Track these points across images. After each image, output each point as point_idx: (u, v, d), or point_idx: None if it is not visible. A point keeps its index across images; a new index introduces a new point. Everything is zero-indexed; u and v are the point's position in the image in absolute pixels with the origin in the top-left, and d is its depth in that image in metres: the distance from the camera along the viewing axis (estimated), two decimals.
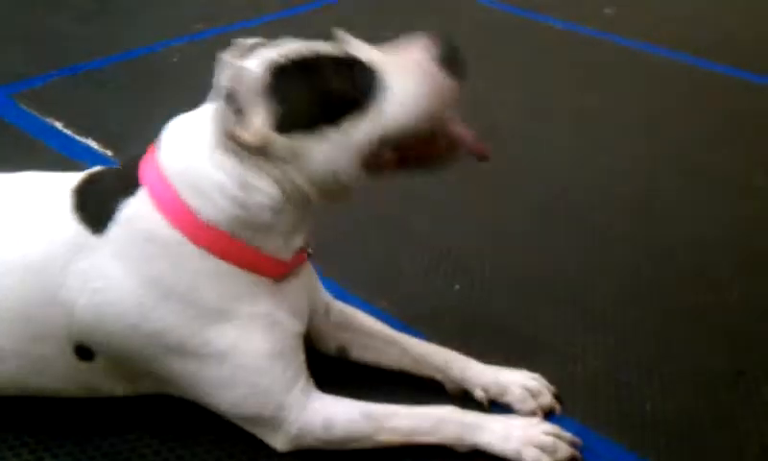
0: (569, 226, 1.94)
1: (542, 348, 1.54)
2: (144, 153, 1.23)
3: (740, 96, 2.66)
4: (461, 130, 1.20)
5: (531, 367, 1.42)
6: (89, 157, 2.09)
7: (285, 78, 1.12)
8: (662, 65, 2.86)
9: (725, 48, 2.98)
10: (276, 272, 1.22)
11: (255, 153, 1.13)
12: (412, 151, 1.18)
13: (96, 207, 1.20)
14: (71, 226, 1.20)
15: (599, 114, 2.51)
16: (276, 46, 1.17)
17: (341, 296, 1.53)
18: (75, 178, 1.28)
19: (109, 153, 2.12)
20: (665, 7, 3.42)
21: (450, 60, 1.14)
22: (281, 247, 1.21)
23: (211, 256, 1.17)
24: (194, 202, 1.15)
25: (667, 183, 2.14)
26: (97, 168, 1.32)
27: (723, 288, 1.74)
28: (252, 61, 1.14)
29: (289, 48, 1.15)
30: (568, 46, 3.03)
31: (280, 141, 1.12)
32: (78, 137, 2.20)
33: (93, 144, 2.16)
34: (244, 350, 1.19)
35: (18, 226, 1.23)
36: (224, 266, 1.18)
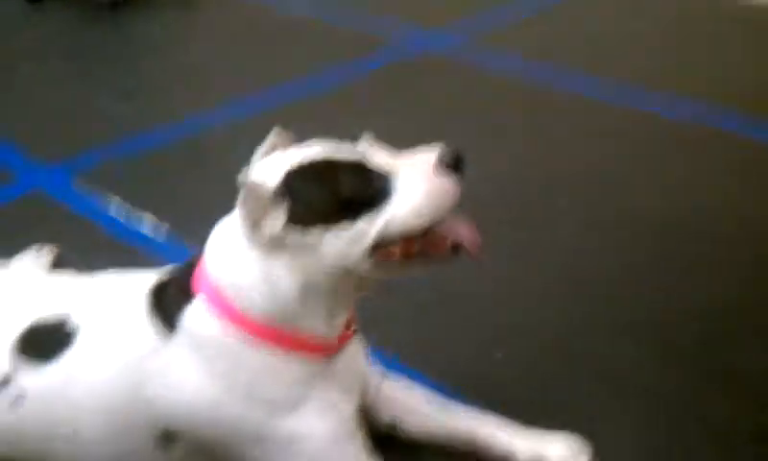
0: (597, 293, 2.07)
1: (580, 414, 1.67)
2: (198, 257, 1.37)
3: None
4: (462, 229, 1.31)
5: (568, 431, 1.55)
6: (147, 239, 2.26)
7: (303, 180, 1.26)
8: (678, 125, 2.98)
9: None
10: (324, 353, 1.36)
11: (275, 247, 1.26)
12: (416, 246, 1.29)
13: (164, 314, 1.35)
14: (147, 330, 1.35)
15: (618, 178, 2.64)
16: (302, 148, 1.32)
17: (389, 365, 1.66)
18: (148, 281, 1.42)
19: (166, 234, 2.28)
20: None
21: (454, 166, 1.26)
22: (324, 329, 1.34)
23: (264, 349, 1.31)
24: (238, 301, 1.30)
25: (685, 247, 2.26)
26: (164, 272, 1.45)
27: (747, 350, 1.85)
28: (272, 169, 1.28)
29: (310, 151, 1.30)
30: (585, 110, 3.17)
31: (296, 237, 1.25)
32: (134, 218, 2.36)
33: (149, 225, 2.33)
34: (309, 436, 1.33)
35: (106, 330, 1.39)
36: (276, 356, 1.31)
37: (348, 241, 1.25)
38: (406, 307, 1.94)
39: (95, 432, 1.37)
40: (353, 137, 1.32)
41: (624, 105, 3.09)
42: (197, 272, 1.35)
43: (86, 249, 2.20)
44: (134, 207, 2.41)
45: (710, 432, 1.63)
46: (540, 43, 3.71)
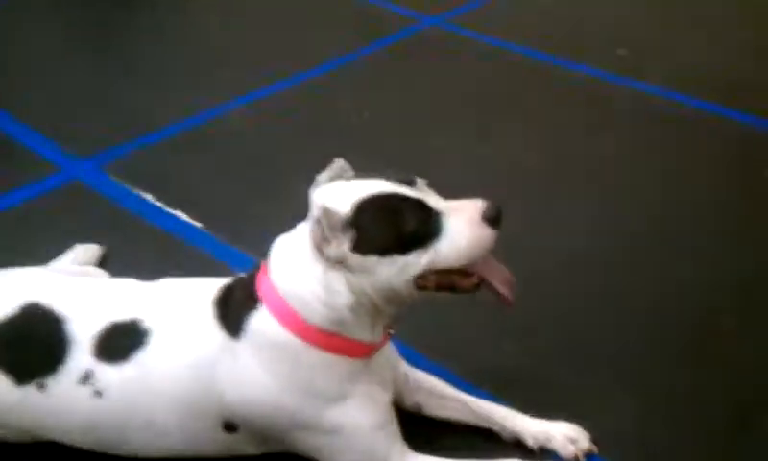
0: (609, 290, 2.26)
1: (582, 403, 1.89)
2: (259, 267, 1.59)
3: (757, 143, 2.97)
4: (496, 274, 1.54)
5: (571, 419, 1.78)
6: (182, 230, 2.45)
7: (368, 212, 1.47)
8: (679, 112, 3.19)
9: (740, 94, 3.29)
10: (366, 354, 1.58)
11: (337, 264, 1.49)
12: (448, 279, 1.53)
13: (232, 318, 1.57)
14: (216, 333, 1.57)
15: (615, 163, 2.85)
16: (366, 182, 1.51)
17: (410, 357, 1.87)
18: (212, 288, 1.64)
19: (199, 224, 2.47)
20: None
21: (495, 219, 1.48)
22: (368, 336, 1.57)
23: (318, 351, 1.53)
24: (300, 310, 1.52)
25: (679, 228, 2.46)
26: (227, 281, 1.66)
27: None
28: (341, 197, 1.48)
29: (375, 187, 1.50)
30: (583, 90, 3.37)
31: (357, 259, 1.47)
32: (168, 209, 2.53)
33: (183, 216, 2.51)
34: (353, 424, 1.57)
35: (178, 332, 1.60)
36: (328, 357, 1.54)
37: (399, 269, 1.47)
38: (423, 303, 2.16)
39: (169, 420, 1.59)
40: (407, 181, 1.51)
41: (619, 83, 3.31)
42: (260, 281, 1.56)
43: (124, 237, 2.38)
44: (164, 197, 2.57)
45: (710, 430, 1.84)
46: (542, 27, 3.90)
